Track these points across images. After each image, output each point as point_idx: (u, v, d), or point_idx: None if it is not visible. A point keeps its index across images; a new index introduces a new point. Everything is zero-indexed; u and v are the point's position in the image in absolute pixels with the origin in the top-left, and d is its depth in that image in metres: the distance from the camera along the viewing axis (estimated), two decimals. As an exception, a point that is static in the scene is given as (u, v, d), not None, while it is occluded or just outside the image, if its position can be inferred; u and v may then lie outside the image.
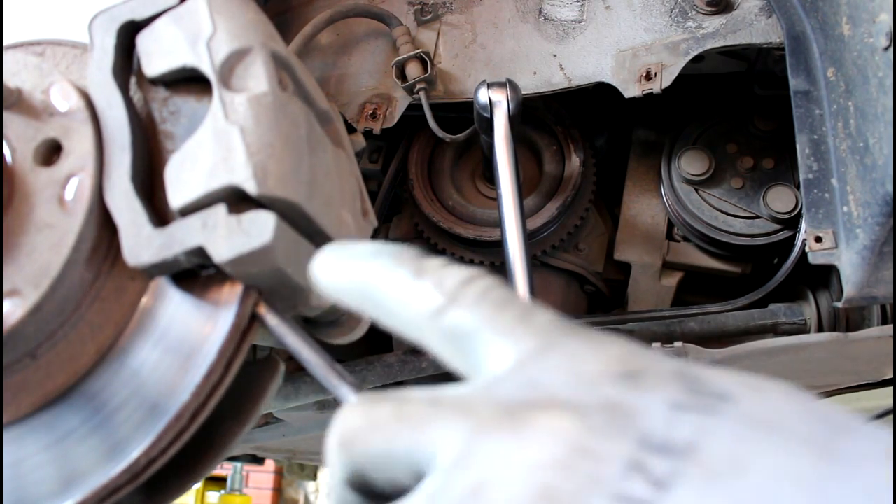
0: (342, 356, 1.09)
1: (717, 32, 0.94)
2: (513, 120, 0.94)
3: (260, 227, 0.51)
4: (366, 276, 0.40)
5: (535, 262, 1.13)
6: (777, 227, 1.06)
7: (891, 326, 1.02)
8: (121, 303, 0.57)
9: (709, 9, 0.95)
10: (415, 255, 0.40)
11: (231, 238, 0.51)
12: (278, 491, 5.03)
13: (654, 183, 1.17)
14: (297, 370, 1.07)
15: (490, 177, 1.15)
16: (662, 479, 0.30)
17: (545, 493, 0.30)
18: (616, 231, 1.17)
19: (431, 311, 0.37)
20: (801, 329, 1.09)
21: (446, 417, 0.33)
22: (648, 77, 0.94)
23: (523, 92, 0.97)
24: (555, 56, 1.01)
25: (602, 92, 0.99)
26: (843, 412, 0.32)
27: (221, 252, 0.51)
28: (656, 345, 0.99)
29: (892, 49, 0.69)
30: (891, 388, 1.33)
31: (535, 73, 1.01)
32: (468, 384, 0.36)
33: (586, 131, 1.16)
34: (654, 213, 1.16)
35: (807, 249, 0.85)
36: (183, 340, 0.55)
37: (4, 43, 0.66)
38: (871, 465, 0.30)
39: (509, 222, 0.92)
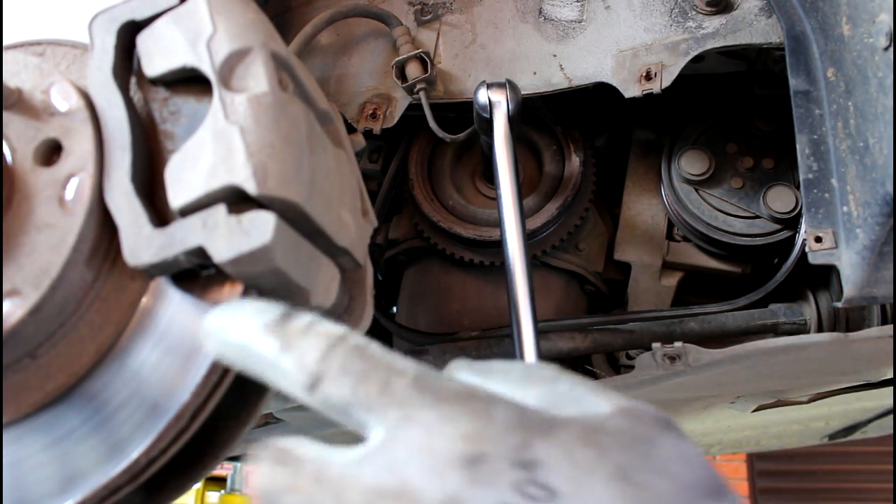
0: (342, 356, 1.09)
1: (716, 32, 0.94)
2: (512, 120, 0.94)
3: (260, 227, 0.51)
4: (241, 346, 0.44)
5: (535, 262, 1.13)
6: (777, 227, 1.07)
7: (891, 326, 1.02)
8: (121, 303, 0.57)
9: (709, 9, 0.95)
10: (278, 319, 0.43)
11: (231, 238, 0.51)
12: (278, 491, 5.01)
13: (654, 183, 1.17)
14: (297, 370, 1.06)
15: (490, 177, 1.15)
16: None
17: None
18: (616, 231, 1.18)
19: (303, 387, 0.41)
20: (801, 329, 1.09)
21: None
22: (648, 77, 0.94)
23: (523, 92, 0.97)
24: (555, 56, 1.01)
25: (602, 92, 0.99)
26: (663, 496, 0.35)
27: (221, 252, 0.51)
28: (657, 345, 0.99)
29: (891, 49, 0.69)
30: (891, 388, 1.33)
31: (535, 73, 1.01)
32: (351, 453, 0.39)
33: (586, 131, 1.16)
34: (654, 213, 1.16)
35: (807, 249, 0.85)
36: (183, 340, 0.55)
37: (4, 43, 0.66)
38: None
39: (509, 222, 0.92)
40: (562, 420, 0.38)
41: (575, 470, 0.36)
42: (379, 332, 1.15)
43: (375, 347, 0.41)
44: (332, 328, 0.42)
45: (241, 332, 0.44)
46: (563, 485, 0.35)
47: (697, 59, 0.96)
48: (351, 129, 1.00)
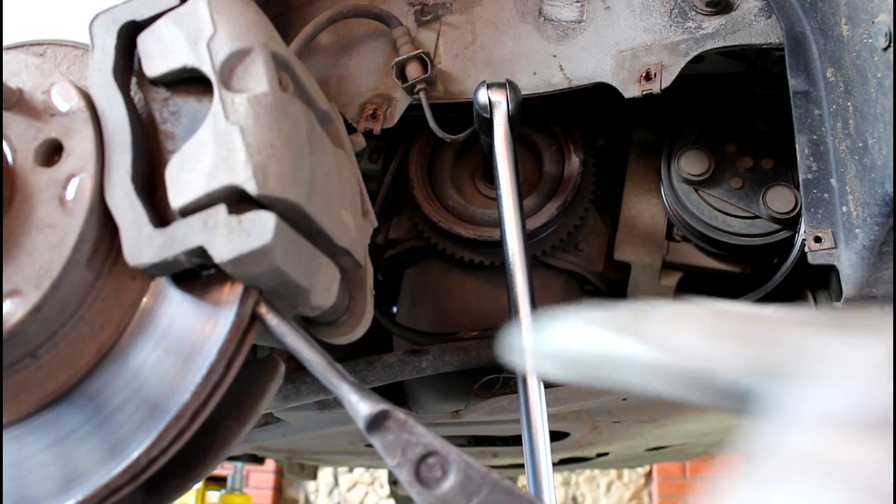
0: (342, 356, 1.09)
1: (716, 33, 0.95)
2: (512, 120, 0.95)
3: (260, 228, 0.51)
4: (595, 354, 0.39)
5: (535, 262, 1.13)
6: (776, 227, 1.07)
7: (890, 326, 1.02)
8: (121, 303, 0.58)
9: (708, 9, 0.95)
10: (627, 317, 0.39)
11: (231, 238, 0.51)
12: (278, 491, 5.02)
13: (653, 183, 1.17)
14: (297, 370, 1.07)
15: (490, 177, 1.15)
16: None
17: None
18: (616, 231, 1.18)
19: (685, 378, 0.36)
20: (801, 329, 1.08)
21: None
22: (648, 77, 0.94)
23: (523, 92, 0.98)
24: (555, 56, 1.01)
25: (602, 92, 0.99)
26: None
27: (222, 252, 0.51)
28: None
29: (891, 49, 0.69)
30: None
31: (534, 73, 1.01)
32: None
33: (586, 131, 1.16)
34: (654, 213, 1.16)
35: (806, 249, 0.86)
36: (183, 340, 0.55)
37: (5, 43, 0.66)
38: None
39: (509, 222, 0.92)
40: None
41: None
42: (379, 332, 1.15)
43: (726, 305, 0.37)
44: (692, 312, 0.38)
45: (583, 344, 0.40)
46: None
47: (697, 60, 0.96)
48: (351, 130, 1.00)
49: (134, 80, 0.61)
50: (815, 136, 0.86)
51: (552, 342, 0.42)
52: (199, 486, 4.38)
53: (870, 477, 0.28)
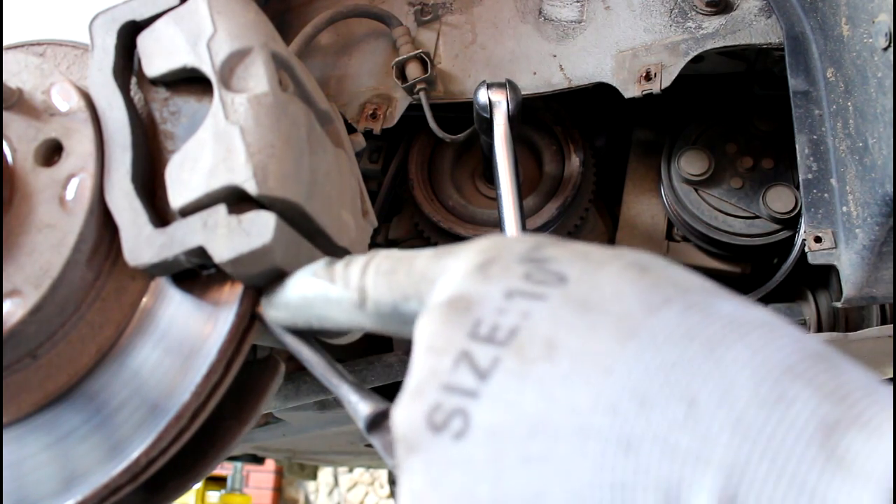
0: (342, 356, 1.09)
1: (716, 33, 0.95)
2: (512, 120, 0.94)
3: (260, 228, 0.51)
4: (301, 299, 0.49)
5: (535, 262, 1.13)
6: (776, 227, 1.07)
7: (890, 326, 1.02)
8: (121, 303, 0.57)
9: (708, 9, 0.95)
10: (322, 265, 0.48)
11: (231, 238, 0.51)
12: (278, 491, 5.03)
13: (654, 183, 1.17)
14: (297, 370, 1.07)
15: (490, 177, 1.15)
16: (485, 367, 0.33)
17: (407, 389, 0.35)
18: (616, 231, 1.17)
19: (356, 307, 0.45)
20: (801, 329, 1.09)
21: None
22: (648, 77, 0.94)
23: (523, 92, 0.97)
24: (555, 56, 1.01)
25: (602, 92, 0.99)
26: (675, 286, 0.34)
27: (222, 252, 0.51)
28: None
29: (891, 49, 0.69)
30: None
31: (534, 73, 1.01)
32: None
33: (586, 131, 1.16)
34: (654, 213, 1.16)
35: (806, 249, 0.85)
36: (183, 340, 0.55)
37: (5, 43, 0.66)
38: (666, 342, 0.31)
39: (509, 222, 0.92)
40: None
41: (586, 262, 0.35)
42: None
43: (398, 250, 0.45)
44: (366, 254, 0.46)
45: (297, 288, 0.49)
46: (574, 272, 0.35)
47: (697, 60, 0.96)
48: (351, 129, 1.00)
49: (134, 80, 0.61)
50: (815, 136, 0.86)
51: (280, 292, 0.51)
52: (199, 486, 4.38)
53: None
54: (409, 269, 0.42)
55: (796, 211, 1.04)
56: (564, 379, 0.31)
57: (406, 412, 0.34)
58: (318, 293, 0.47)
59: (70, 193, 0.56)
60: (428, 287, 0.40)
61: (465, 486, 0.31)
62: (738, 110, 1.12)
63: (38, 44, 0.65)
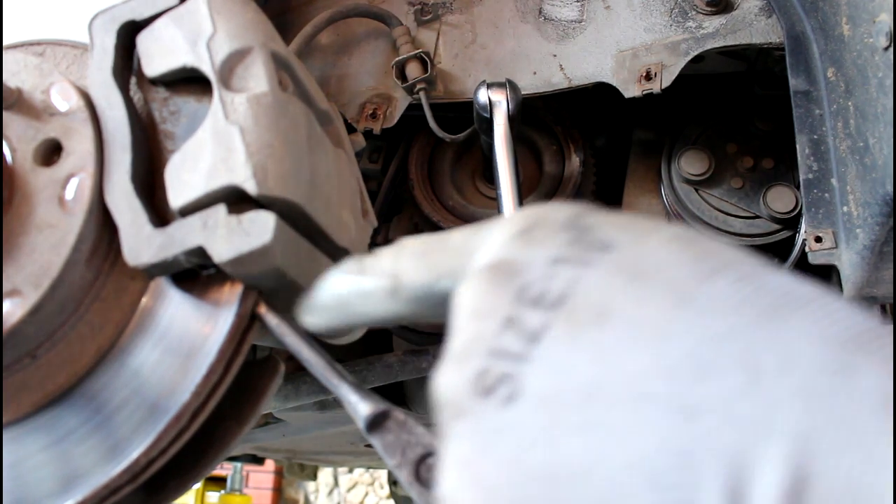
0: (342, 356, 1.09)
1: (717, 32, 0.94)
2: (512, 120, 0.94)
3: (260, 228, 0.51)
4: (335, 297, 0.47)
5: (535, 262, 1.13)
6: (777, 227, 1.06)
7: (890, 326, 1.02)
8: (121, 303, 0.57)
9: (709, 9, 0.95)
10: (352, 263, 0.47)
11: (231, 238, 0.51)
12: (278, 491, 5.03)
13: (654, 183, 1.17)
14: (297, 370, 1.07)
15: (490, 177, 1.15)
16: (534, 331, 0.32)
17: (451, 354, 0.34)
18: (616, 231, 1.17)
19: (391, 295, 0.43)
20: (801, 329, 1.08)
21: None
22: (648, 77, 0.94)
23: (523, 92, 0.97)
24: (555, 56, 1.01)
25: (602, 92, 0.99)
26: (723, 257, 0.33)
27: (221, 252, 0.51)
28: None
29: (891, 49, 0.69)
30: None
31: (535, 73, 1.01)
32: None
33: (586, 131, 1.16)
34: (655, 213, 1.16)
35: (807, 249, 0.85)
36: (183, 340, 0.55)
37: (4, 43, 0.66)
38: (722, 309, 0.30)
39: (509, 222, 0.92)
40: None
41: (631, 231, 0.35)
42: (379, 332, 1.15)
43: (426, 235, 0.44)
44: (391, 246, 0.45)
45: (330, 288, 0.48)
46: (621, 240, 0.34)
47: (697, 59, 0.96)
48: (351, 129, 1.00)
49: (133, 79, 0.61)
50: (815, 136, 0.86)
51: (313, 296, 0.49)
52: (198, 486, 4.38)
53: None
54: (443, 246, 0.41)
55: (797, 211, 1.04)
56: (619, 344, 0.30)
57: (451, 377, 0.33)
58: (352, 288, 0.46)
59: (69, 193, 0.56)
60: (466, 260, 0.39)
61: (517, 453, 0.30)
62: (738, 110, 1.12)
63: (38, 43, 0.65)
